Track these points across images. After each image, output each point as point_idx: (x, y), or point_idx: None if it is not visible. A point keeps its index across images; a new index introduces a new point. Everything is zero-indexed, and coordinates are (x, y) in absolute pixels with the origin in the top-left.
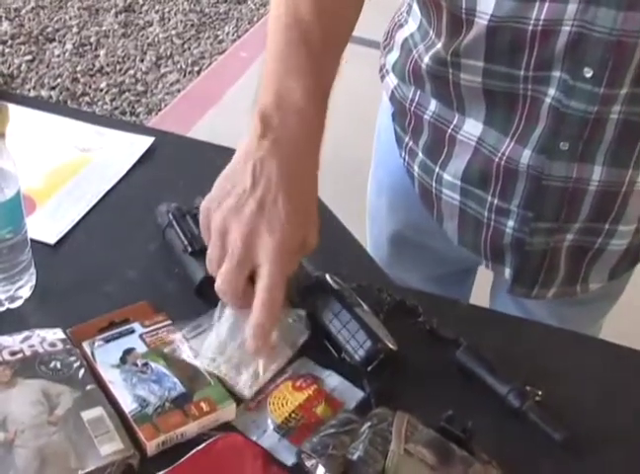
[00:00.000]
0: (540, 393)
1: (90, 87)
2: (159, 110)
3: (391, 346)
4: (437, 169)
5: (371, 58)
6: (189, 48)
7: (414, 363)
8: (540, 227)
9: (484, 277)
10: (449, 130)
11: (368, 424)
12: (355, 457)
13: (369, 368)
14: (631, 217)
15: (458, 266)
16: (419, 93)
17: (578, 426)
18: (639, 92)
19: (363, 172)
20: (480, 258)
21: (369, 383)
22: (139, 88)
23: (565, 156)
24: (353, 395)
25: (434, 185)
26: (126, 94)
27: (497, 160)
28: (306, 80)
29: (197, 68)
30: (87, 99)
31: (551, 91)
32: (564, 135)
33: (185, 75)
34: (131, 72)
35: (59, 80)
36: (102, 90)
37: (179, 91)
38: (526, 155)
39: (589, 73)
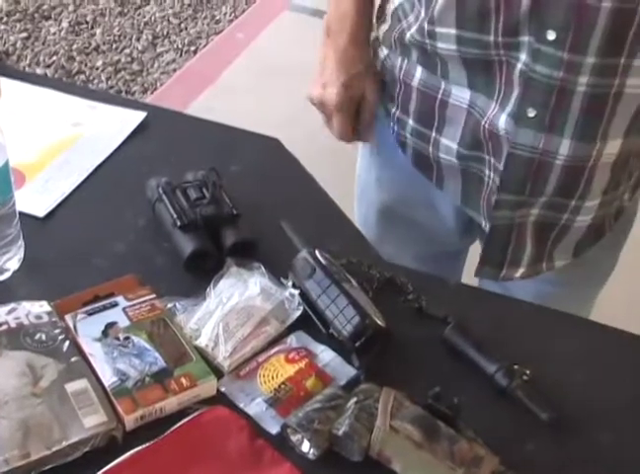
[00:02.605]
0: (528, 372)
1: (86, 65)
2: (154, 89)
3: (379, 322)
4: (433, 133)
5: None
6: (185, 28)
7: (402, 341)
8: (504, 199)
9: (475, 259)
10: (439, 96)
11: (354, 399)
12: (340, 433)
13: (357, 344)
14: (596, 192)
15: (448, 246)
16: (406, 61)
17: (564, 406)
18: (606, 63)
19: (354, 152)
20: (480, 218)
21: (358, 359)
22: (135, 67)
23: (532, 124)
24: (344, 372)
25: (430, 150)
26: (122, 73)
27: (483, 123)
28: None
29: (193, 48)
30: (82, 77)
31: (522, 56)
32: (531, 102)
33: (181, 55)
34: (127, 51)
35: (55, 58)
36: (97, 68)
37: (175, 70)
38: (503, 119)
39: (552, 36)
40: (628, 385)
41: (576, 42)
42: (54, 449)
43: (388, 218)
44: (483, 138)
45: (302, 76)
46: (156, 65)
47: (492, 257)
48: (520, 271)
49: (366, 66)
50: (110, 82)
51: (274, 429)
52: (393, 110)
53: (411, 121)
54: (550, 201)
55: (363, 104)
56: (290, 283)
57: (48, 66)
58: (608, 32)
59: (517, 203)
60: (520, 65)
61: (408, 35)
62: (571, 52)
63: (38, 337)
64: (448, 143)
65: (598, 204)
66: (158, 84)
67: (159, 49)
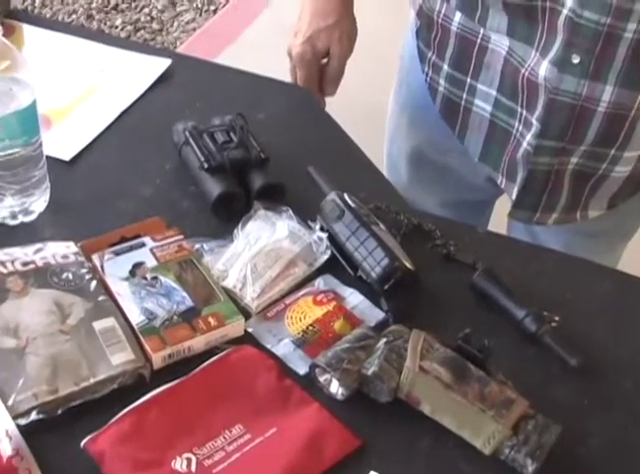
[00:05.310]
0: (557, 319)
1: (105, 24)
2: (174, 48)
3: (408, 265)
4: (468, 80)
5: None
6: None
7: (430, 286)
8: (545, 145)
9: (502, 212)
10: (479, 40)
11: (384, 340)
12: (369, 373)
13: (386, 287)
14: (637, 143)
15: (475, 195)
16: (445, 5)
17: (590, 353)
18: None
19: (384, 115)
20: (497, 174)
21: (387, 302)
22: (155, 26)
23: (576, 71)
24: (373, 314)
25: (465, 96)
26: (141, 32)
27: (523, 71)
28: None
29: (213, 7)
30: None
31: (568, 2)
32: (577, 48)
33: (201, 14)
34: (147, 10)
35: (74, 16)
36: (117, 27)
37: (194, 30)
38: (544, 67)
39: None
40: None
41: None
42: (82, 386)
43: (418, 163)
44: (520, 88)
45: None
46: (176, 24)
47: (527, 200)
48: (554, 216)
49: (337, 20)
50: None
51: (302, 369)
52: (429, 54)
53: (446, 67)
54: (590, 151)
55: (329, 58)
56: (318, 227)
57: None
58: None
59: (557, 150)
60: (565, 11)
61: None
62: None
63: (65, 276)
64: (486, 89)
65: (637, 156)
66: (178, 43)
67: (179, 9)
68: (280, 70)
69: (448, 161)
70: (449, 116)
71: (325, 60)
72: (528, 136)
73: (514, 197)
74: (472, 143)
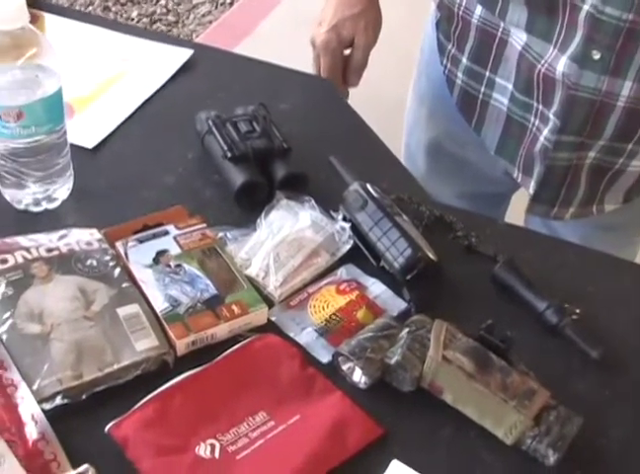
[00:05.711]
0: (578, 311)
1: (121, 16)
2: (190, 41)
3: (431, 255)
4: (487, 73)
5: None
6: None
7: (452, 277)
8: (564, 140)
9: (518, 206)
10: (499, 34)
11: (407, 329)
12: (392, 362)
13: (409, 277)
14: None
15: (493, 187)
16: None
17: (611, 346)
18: None
19: (404, 108)
20: (513, 168)
21: (409, 293)
22: (170, 18)
23: (596, 67)
24: (395, 304)
25: (482, 90)
26: (158, 24)
27: (539, 67)
28: None
29: (229, 0)
30: None
31: None
32: (597, 44)
33: (217, 7)
34: (163, 2)
35: (90, 8)
36: (133, 19)
37: (210, 22)
38: (562, 62)
39: None
40: None
41: None
42: (106, 371)
43: (436, 155)
44: (535, 83)
45: None
46: (192, 17)
47: (545, 195)
48: (571, 210)
49: (363, 9)
50: None
51: (324, 358)
52: (449, 47)
53: (464, 60)
54: (608, 145)
55: (353, 48)
56: (341, 217)
57: None
58: None
59: (576, 145)
60: (586, 7)
61: None
62: None
63: (89, 262)
64: (504, 83)
65: None
66: (194, 36)
67: (195, 1)
68: (297, 62)
69: (467, 154)
70: (466, 108)
71: (348, 51)
72: (545, 131)
73: (531, 191)
74: (489, 136)
